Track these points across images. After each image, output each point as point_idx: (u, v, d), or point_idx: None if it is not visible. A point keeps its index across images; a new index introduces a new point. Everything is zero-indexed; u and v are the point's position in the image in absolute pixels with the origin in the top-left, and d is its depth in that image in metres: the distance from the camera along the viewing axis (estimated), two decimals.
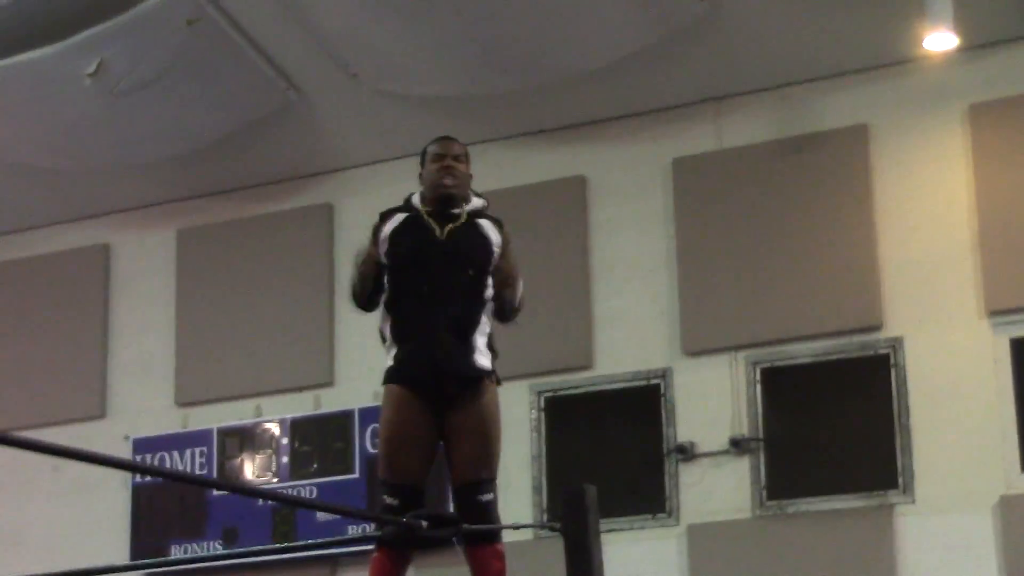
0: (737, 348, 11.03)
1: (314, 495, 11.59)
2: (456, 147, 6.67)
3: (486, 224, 6.61)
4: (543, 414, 11.41)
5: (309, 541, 11.10)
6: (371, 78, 11.62)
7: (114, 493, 12.18)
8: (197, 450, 12.12)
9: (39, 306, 13.05)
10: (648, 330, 11.30)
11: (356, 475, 11.61)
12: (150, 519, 12.10)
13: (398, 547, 6.43)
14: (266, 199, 12.54)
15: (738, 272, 11.10)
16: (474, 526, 6.31)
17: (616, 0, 10.67)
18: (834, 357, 10.83)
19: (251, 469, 11.95)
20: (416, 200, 6.62)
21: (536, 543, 10.00)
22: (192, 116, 11.86)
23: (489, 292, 6.55)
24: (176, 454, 12.18)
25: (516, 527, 7.65)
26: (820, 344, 10.87)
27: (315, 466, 11.73)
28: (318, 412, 11.93)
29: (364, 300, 6.59)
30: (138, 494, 12.13)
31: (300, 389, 11.92)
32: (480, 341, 6.50)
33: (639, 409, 11.21)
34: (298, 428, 11.88)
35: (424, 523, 6.05)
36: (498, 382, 6.57)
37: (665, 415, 11.13)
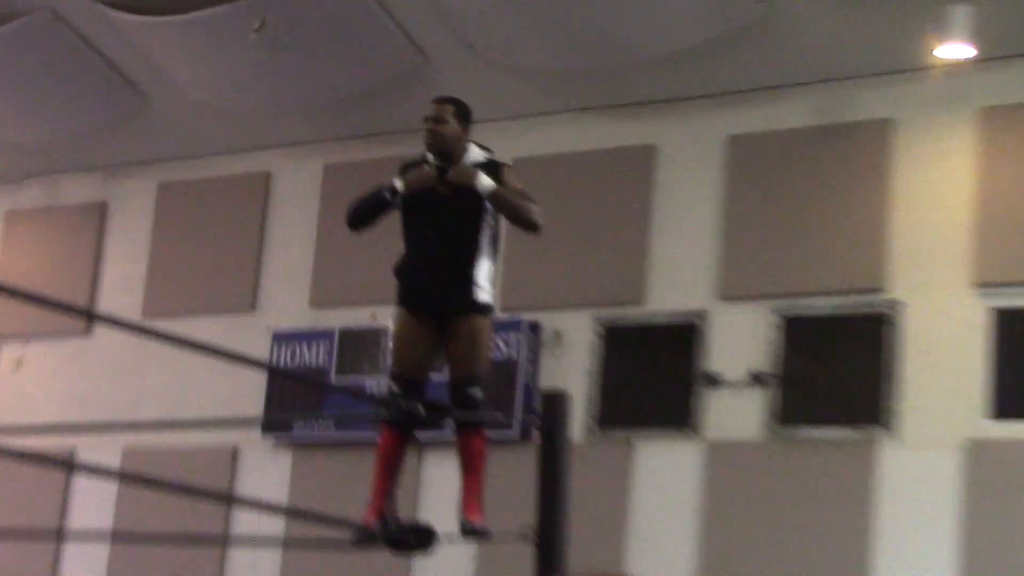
0: (766, 297, 12.86)
1: None
2: (436, 109, 7.73)
3: (480, 172, 7.57)
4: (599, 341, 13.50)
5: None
6: (484, 49, 13.37)
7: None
8: None
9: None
10: (692, 273, 13.24)
11: None
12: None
13: (400, 428, 7.49)
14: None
15: (757, 228, 13.04)
16: (461, 412, 7.37)
17: None
18: (843, 312, 12.57)
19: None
20: (430, 157, 7.72)
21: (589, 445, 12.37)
22: (334, 70, 13.97)
23: (488, 232, 7.56)
24: None
25: (496, 417, 9.43)
26: (831, 300, 12.63)
27: None
28: None
29: (357, 221, 7.74)
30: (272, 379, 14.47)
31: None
32: (479, 276, 7.52)
33: (684, 343, 13.09)
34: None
35: (420, 407, 7.21)
36: (491, 311, 7.57)
37: (704, 347, 12.99)
